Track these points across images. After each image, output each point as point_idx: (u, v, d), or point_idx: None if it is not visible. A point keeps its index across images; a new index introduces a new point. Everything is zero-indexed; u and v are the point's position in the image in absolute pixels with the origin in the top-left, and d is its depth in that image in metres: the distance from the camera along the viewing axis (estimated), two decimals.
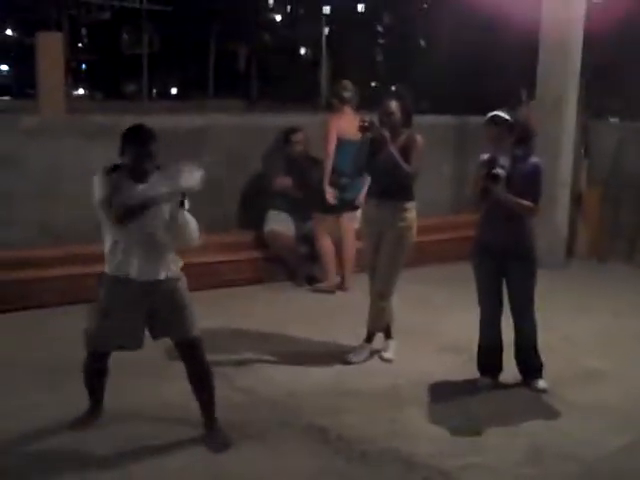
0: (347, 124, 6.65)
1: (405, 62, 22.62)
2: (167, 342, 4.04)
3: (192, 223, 3.87)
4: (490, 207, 4.58)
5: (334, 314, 6.27)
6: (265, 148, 7.44)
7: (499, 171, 4.42)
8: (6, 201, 6.40)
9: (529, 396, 4.73)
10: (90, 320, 3.97)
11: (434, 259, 7.73)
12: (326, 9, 26.92)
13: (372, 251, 5.26)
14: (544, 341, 4.84)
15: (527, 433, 4.26)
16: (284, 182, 7.14)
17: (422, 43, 26.20)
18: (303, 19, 30.26)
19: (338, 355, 5.27)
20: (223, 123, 7.66)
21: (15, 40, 32.00)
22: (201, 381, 4.01)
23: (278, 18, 31.16)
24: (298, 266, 7.13)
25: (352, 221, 6.90)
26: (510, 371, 4.85)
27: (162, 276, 3.87)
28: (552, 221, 7.92)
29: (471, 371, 4.92)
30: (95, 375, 4.10)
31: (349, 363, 5.19)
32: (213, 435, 4.01)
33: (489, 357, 4.86)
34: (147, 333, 3.98)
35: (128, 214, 3.73)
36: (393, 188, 5.10)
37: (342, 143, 6.70)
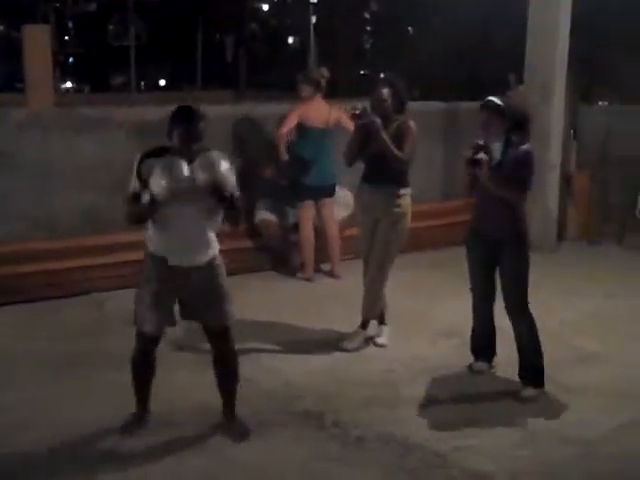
0: (316, 112, 6.71)
1: (394, 49, 22.60)
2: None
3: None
4: (481, 192, 4.59)
5: (327, 302, 6.30)
6: (254, 137, 7.44)
7: (481, 156, 4.41)
8: None
9: None
10: (135, 299, 3.92)
11: (425, 245, 7.78)
12: None
13: (367, 238, 5.27)
14: (539, 325, 4.84)
15: (523, 416, 4.30)
16: (271, 170, 7.15)
17: (410, 30, 26.13)
18: (290, 8, 30.19)
19: (333, 342, 5.31)
20: (212, 112, 7.61)
21: (1, 33, 31.82)
22: (227, 370, 4.01)
23: (265, 7, 31.05)
24: (289, 254, 7.16)
25: (331, 208, 6.94)
26: (504, 354, 4.87)
27: (199, 262, 3.83)
28: (543, 204, 7.96)
29: (465, 356, 4.96)
30: (143, 365, 3.99)
31: (344, 350, 5.22)
32: (232, 425, 4.05)
33: (482, 341, 4.89)
34: None
35: (136, 217, 3.74)
36: (387, 175, 5.11)
37: (307, 130, 6.72)
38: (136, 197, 3.68)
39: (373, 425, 4.14)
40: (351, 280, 6.53)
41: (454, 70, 17.82)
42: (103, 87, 27.84)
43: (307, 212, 6.90)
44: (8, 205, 6.39)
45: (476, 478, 3.67)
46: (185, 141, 3.71)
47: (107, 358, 4.84)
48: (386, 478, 3.68)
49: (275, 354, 5.18)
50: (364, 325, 5.39)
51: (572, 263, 7.64)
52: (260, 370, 4.84)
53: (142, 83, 29.32)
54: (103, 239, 6.50)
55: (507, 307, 4.62)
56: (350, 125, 6.97)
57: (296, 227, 7.10)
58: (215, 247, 3.93)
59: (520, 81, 8.66)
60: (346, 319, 5.54)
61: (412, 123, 5.13)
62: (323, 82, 6.78)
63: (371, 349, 5.30)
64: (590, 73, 10.87)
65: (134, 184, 3.72)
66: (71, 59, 33.05)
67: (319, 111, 6.74)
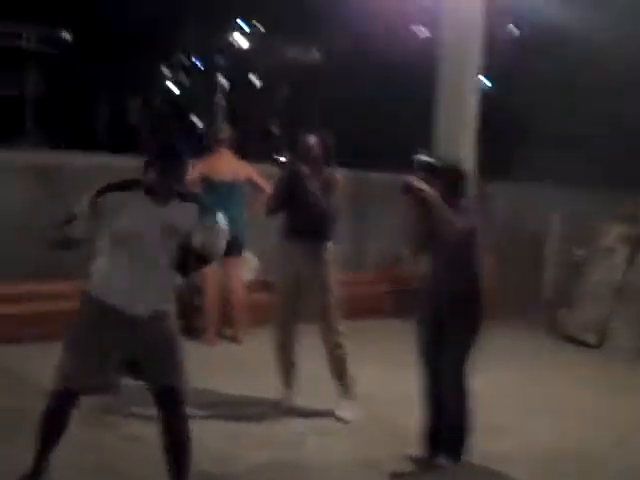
0: (222, 165, 6.45)
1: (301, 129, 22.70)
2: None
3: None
4: (434, 253, 4.32)
5: (227, 367, 5.85)
6: None
7: (407, 181, 4.11)
8: None
9: None
10: (63, 351, 3.44)
11: None
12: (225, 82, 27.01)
13: (288, 297, 4.99)
14: None
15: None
16: None
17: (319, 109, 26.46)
18: (199, 89, 30.04)
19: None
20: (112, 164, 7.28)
21: None
22: (178, 439, 3.51)
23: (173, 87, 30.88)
24: (192, 319, 6.68)
25: (237, 268, 6.57)
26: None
27: (154, 310, 3.42)
28: None
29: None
30: (54, 423, 3.47)
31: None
32: None
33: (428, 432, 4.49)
34: None
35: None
36: (312, 227, 4.86)
37: (214, 184, 6.40)
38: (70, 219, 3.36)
39: None
40: (254, 346, 6.24)
41: (362, 138, 17.91)
42: None
43: (211, 271, 6.45)
44: None
45: None
46: (166, 179, 3.34)
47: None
48: None
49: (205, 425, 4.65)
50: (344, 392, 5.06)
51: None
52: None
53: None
54: None
55: (442, 373, 4.32)
56: (261, 181, 6.73)
57: (199, 289, 6.67)
58: (171, 300, 3.55)
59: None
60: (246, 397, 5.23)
61: (339, 175, 4.95)
62: (222, 135, 6.54)
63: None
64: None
65: (83, 212, 3.36)
66: None
67: (225, 164, 6.45)
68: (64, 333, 3.49)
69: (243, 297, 6.63)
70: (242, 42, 28.29)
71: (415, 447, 4.47)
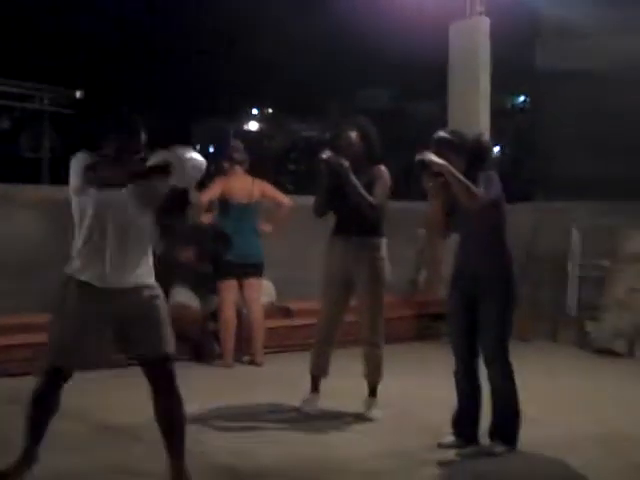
0: (238, 186, 6.35)
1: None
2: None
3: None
4: (462, 229, 4.18)
5: (248, 388, 5.68)
6: None
7: (420, 156, 3.96)
8: None
9: None
10: (49, 332, 3.38)
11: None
12: None
13: (337, 292, 4.84)
14: None
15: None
16: (186, 254, 6.63)
17: None
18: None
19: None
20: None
21: None
22: (168, 413, 3.41)
23: None
24: (206, 343, 6.54)
25: (257, 290, 6.44)
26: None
27: (134, 284, 3.33)
28: None
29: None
30: (43, 405, 3.40)
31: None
32: None
33: (461, 419, 4.30)
34: None
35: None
36: (359, 223, 4.72)
37: (230, 206, 6.33)
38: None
39: None
40: (275, 369, 6.17)
41: None
42: None
43: (229, 292, 6.35)
44: None
45: None
46: (124, 153, 3.26)
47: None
48: None
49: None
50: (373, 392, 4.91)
51: None
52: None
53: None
54: None
55: (485, 357, 4.14)
56: (278, 194, 6.65)
57: (214, 315, 6.54)
58: (152, 275, 3.43)
59: None
60: (269, 406, 5.08)
61: (384, 168, 4.79)
62: (237, 156, 6.45)
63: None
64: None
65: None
66: None
67: (240, 186, 6.37)
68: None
69: (262, 320, 6.48)
70: (252, 126, 29.06)
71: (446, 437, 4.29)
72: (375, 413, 4.84)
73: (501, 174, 4.23)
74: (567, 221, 8.36)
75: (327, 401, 5.05)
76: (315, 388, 4.98)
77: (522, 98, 21.68)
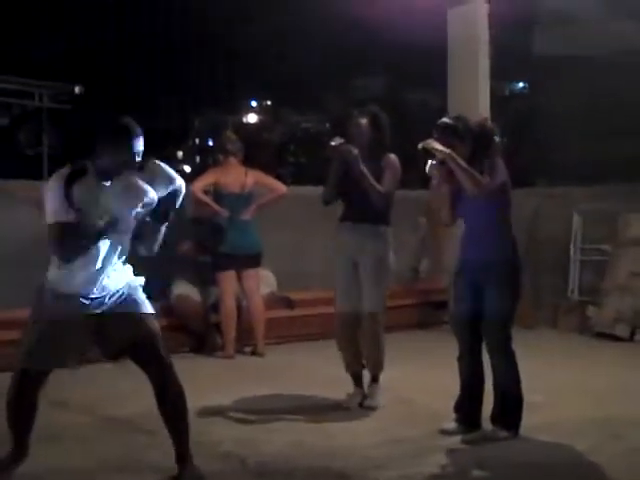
0: (231, 177, 6.35)
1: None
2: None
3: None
4: (468, 214, 4.17)
5: (251, 380, 5.69)
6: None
7: (423, 144, 3.96)
8: None
9: None
10: (26, 333, 3.38)
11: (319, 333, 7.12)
12: None
13: (345, 283, 4.82)
14: None
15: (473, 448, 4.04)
16: (186, 246, 6.64)
17: None
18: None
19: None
20: None
21: None
22: (168, 400, 3.43)
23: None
24: (208, 335, 6.54)
25: (255, 280, 6.44)
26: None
27: (109, 293, 3.35)
28: None
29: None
30: (24, 405, 3.40)
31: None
32: (187, 471, 3.44)
33: (464, 404, 4.30)
34: None
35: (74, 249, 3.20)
36: (366, 211, 4.70)
37: (223, 196, 6.33)
38: (71, 227, 3.14)
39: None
40: (276, 359, 6.16)
41: None
42: None
43: (228, 284, 6.35)
44: None
45: None
46: (121, 164, 3.20)
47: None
48: None
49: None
50: (375, 379, 4.88)
51: None
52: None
53: None
54: None
55: (488, 344, 4.14)
56: (271, 181, 6.63)
57: (216, 307, 6.55)
58: (128, 273, 3.45)
59: None
60: (272, 396, 5.06)
61: (394, 156, 4.77)
62: (231, 147, 6.43)
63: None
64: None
65: (62, 212, 3.15)
66: None
67: (233, 176, 6.36)
68: None
69: (262, 310, 6.48)
70: (251, 118, 29.08)
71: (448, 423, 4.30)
72: (377, 400, 4.82)
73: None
74: (568, 206, 8.34)
75: (330, 389, 5.06)
76: (357, 384, 4.91)
77: (521, 84, 21.63)
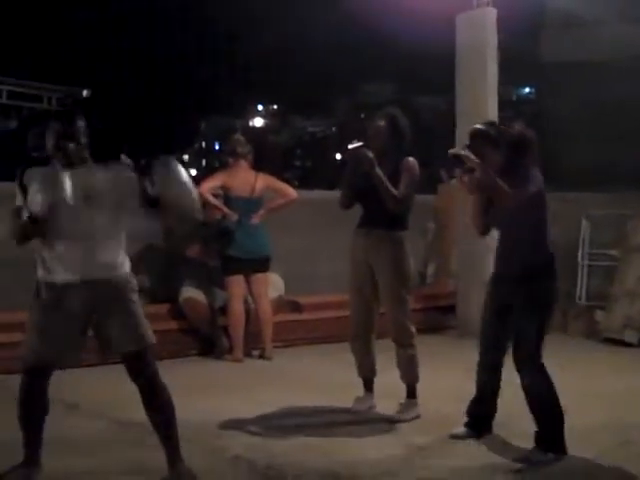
0: (240, 180, 6.34)
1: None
2: None
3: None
4: (502, 224, 4.06)
5: (259, 383, 5.69)
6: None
7: (453, 151, 3.92)
8: None
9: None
10: (26, 331, 3.46)
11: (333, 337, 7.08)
12: None
13: (362, 286, 4.71)
14: None
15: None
16: (196, 249, 6.65)
17: None
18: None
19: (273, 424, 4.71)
20: None
21: None
22: (157, 404, 3.46)
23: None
24: (217, 338, 6.55)
25: (264, 284, 6.45)
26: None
27: (98, 276, 3.35)
28: (482, 287, 7.63)
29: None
30: (34, 405, 3.45)
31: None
32: (178, 473, 3.45)
33: (477, 409, 4.25)
34: None
35: (20, 235, 3.33)
36: (383, 216, 4.60)
37: (231, 200, 6.33)
38: (18, 213, 3.30)
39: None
40: (284, 363, 6.17)
41: None
42: None
43: (236, 288, 6.36)
44: None
45: None
46: (59, 142, 3.29)
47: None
48: None
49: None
50: (412, 393, 4.73)
51: None
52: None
53: None
54: None
55: (518, 361, 3.97)
56: (282, 186, 6.62)
57: (224, 310, 6.55)
58: (123, 265, 3.45)
59: (451, 176, 8.55)
60: (281, 399, 5.03)
61: (412, 160, 4.63)
62: (241, 150, 6.43)
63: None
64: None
65: (18, 197, 3.35)
66: None
67: (242, 179, 6.36)
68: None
69: (270, 314, 6.49)
70: (258, 122, 29.17)
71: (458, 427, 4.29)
72: (408, 415, 4.67)
73: None
74: (576, 211, 8.33)
75: (339, 393, 5.05)
76: (367, 388, 4.85)
77: (527, 89, 21.64)
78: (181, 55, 22.55)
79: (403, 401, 4.73)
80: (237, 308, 6.36)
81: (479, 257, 7.66)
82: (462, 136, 7.84)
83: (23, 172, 3.36)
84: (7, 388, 5.28)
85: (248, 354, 6.50)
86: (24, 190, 3.31)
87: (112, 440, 4.24)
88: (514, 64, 12.77)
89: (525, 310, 3.94)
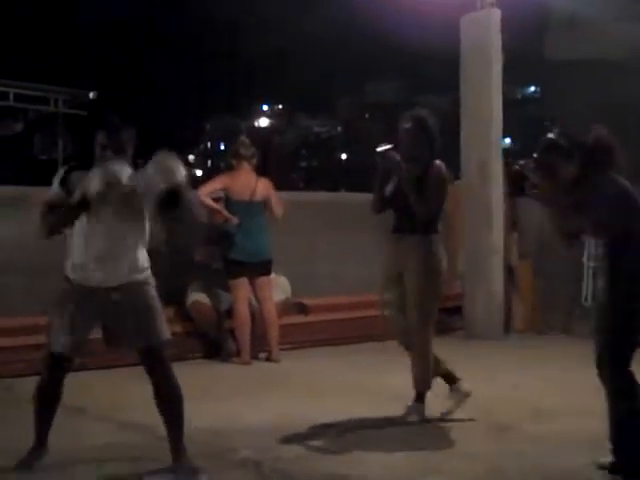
0: (241, 183, 6.35)
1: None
2: None
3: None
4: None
5: (266, 386, 5.71)
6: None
7: (522, 168, 3.85)
8: None
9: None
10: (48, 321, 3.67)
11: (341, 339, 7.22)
12: None
13: (391, 288, 4.67)
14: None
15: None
16: (204, 253, 6.68)
17: None
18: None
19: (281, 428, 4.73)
20: None
21: None
22: (165, 399, 3.59)
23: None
24: (223, 341, 6.57)
25: (267, 288, 6.47)
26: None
27: (120, 281, 3.51)
28: (487, 288, 7.71)
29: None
30: (48, 391, 3.65)
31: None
32: (181, 466, 3.55)
33: None
34: None
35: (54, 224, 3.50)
36: (413, 221, 4.54)
37: (232, 203, 6.35)
38: (55, 204, 3.46)
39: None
40: (292, 365, 6.19)
41: None
42: None
43: (241, 291, 6.38)
44: None
45: None
46: (104, 150, 3.47)
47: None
48: None
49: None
50: (420, 398, 4.67)
51: (518, 351, 7.23)
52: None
53: None
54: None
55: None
56: (275, 200, 6.46)
57: (231, 313, 6.58)
58: (144, 266, 3.58)
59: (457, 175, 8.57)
60: (289, 402, 5.06)
61: (439, 163, 4.57)
62: (245, 152, 6.43)
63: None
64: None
65: (55, 192, 3.51)
66: None
67: (244, 183, 6.37)
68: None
69: (275, 316, 6.51)
70: (263, 122, 29.16)
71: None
72: (413, 417, 4.65)
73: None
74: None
75: (346, 395, 5.07)
76: (418, 398, 4.72)
77: (532, 89, 21.61)
78: (186, 55, 22.61)
79: (410, 403, 4.73)
80: (242, 311, 6.38)
81: (485, 259, 7.70)
82: (466, 136, 7.90)
83: (69, 171, 3.52)
84: (11, 389, 5.39)
85: (255, 357, 6.53)
86: (68, 188, 3.48)
87: (118, 443, 4.27)
88: (519, 63, 12.76)
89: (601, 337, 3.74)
